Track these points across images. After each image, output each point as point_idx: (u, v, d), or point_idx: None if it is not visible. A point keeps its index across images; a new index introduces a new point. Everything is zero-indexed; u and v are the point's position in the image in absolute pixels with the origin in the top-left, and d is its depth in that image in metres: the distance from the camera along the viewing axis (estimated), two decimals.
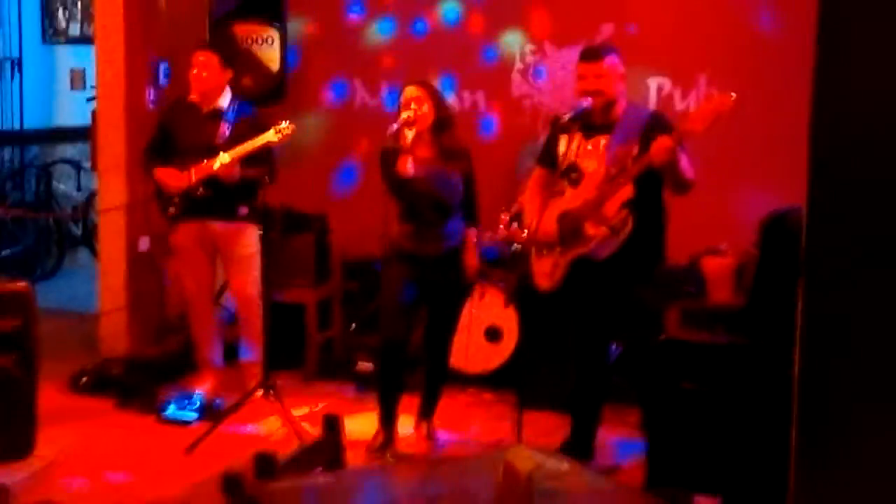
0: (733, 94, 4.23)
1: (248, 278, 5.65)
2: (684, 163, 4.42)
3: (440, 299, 5.15)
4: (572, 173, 4.63)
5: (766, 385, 4.09)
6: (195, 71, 5.59)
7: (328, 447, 2.94)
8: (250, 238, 5.56)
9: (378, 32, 6.79)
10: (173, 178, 5.60)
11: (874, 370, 3.18)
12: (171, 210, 5.66)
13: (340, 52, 6.87)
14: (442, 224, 5.01)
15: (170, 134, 5.71)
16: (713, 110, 4.22)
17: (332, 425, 3.35)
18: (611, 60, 4.57)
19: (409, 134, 4.86)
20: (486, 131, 6.55)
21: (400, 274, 5.04)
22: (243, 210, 5.55)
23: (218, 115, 5.62)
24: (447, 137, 5.02)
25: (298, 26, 6.82)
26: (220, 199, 5.53)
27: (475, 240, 5.10)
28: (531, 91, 6.48)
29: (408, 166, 4.85)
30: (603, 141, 4.54)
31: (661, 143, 4.27)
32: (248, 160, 5.44)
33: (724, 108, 4.20)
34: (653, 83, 6.17)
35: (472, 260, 5.07)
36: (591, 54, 4.62)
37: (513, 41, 6.49)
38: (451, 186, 4.99)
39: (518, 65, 6.49)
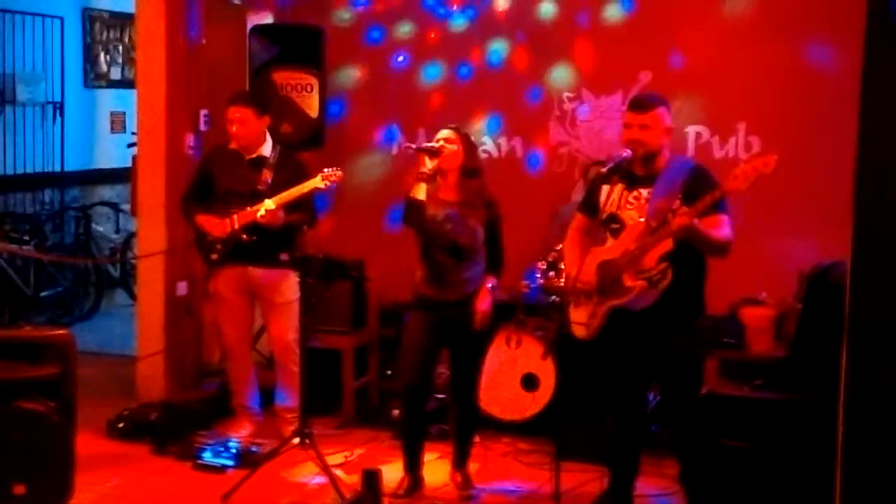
0: (776, 156, 4.20)
1: (287, 324, 5.67)
2: (720, 223, 4.39)
3: (461, 345, 5.15)
4: (613, 223, 4.60)
5: (807, 441, 4.05)
6: (233, 127, 5.63)
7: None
8: (290, 285, 5.59)
9: (417, 78, 6.84)
10: (215, 225, 5.64)
11: None
12: (213, 256, 5.69)
13: (379, 98, 6.92)
14: (459, 270, 5.02)
15: (210, 180, 5.75)
16: (756, 170, 4.18)
17: (372, 481, 3.39)
18: (658, 112, 4.52)
19: (430, 164, 4.94)
20: (523, 179, 6.55)
21: (419, 320, 5.09)
22: (283, 257, 5.57)
23: (260, 162, 5.66)
24: (473, 185, 5.04)
25: (336, 72, 6.88)
26: (261, 246, 5.57)
27: (490, 286, 5.07)
28: (568, 138, 6.49)
29: (418, 190, 4.91)
30: (645, 193, 4.51)
31: (677, 222, 4.26)
32: (290, 207, 5.48)
33: (767, 169, 4.18)
34: (691, 131, 6.16)
35: (481, 305, 5.04)
36: (639, 104, 4.59)
37: (551, 88, 6.52)
38: (469, 231, 5.00)
39: (556, 112, 6.50)
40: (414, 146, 5.22)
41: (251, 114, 5.63)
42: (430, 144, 5.02)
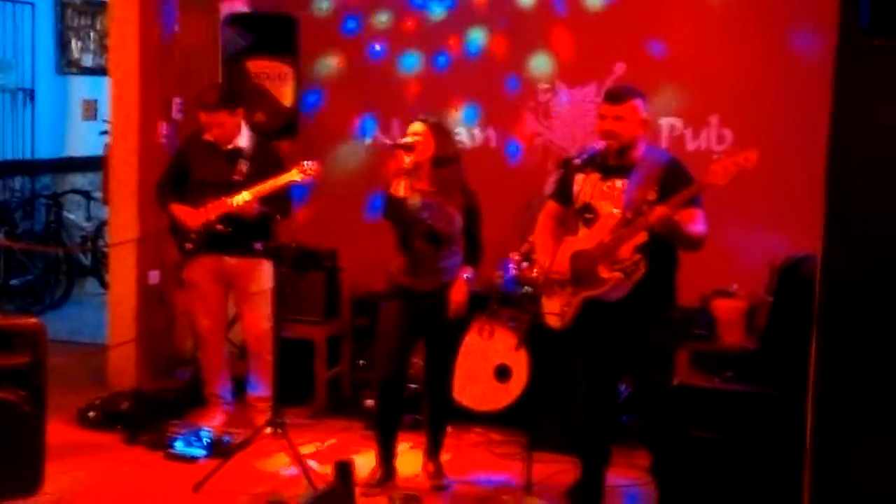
0: (757, 152, 4.19)
1: (261, 314, 5.65)
2: (696, 218, 4.40)
3: (436, 334, 5.16)
4: (587, 213, 4.59)
5: (777, 433, 4.08)
6: (214, 131, 5.60)
7: (341, 496, 2.92)
8: (265, 274, 5.58)
9: (393, 68, 6.82)
10: (190, 215, 5.61)
11: (889, 420, 3.18)
12: (188, 245, 5.67)
13: (354, 87, 6.90)
14: (436, 258, 5.02)
15: (186, 169, 5.72)
16: (736, 165, 4.18)
17: (344, 471, 3.34)
18: (633, 104, 4.52)
19: (406, 159, 4.93)
20: (497, 169, 6.55)
21: (396, 310, 5.08)
22: (258, 246, 5.55)
23: (236, 153, 5.64)
24: (448, 173, 5.03)
25: (312, 62, 6.85)
26: (235, 236, 5.55)
27: (466, 276, 5.07)
28: (542, 129, 6.50)
29: (399, 187, 4.90)
30: (619, 184, 4.51)
31: (657, 214, 4.26)
32: (265, 198, 5.46)
33: (748, 165, 4.18)
34: (664, 123, 6.18)
35: (457, 295, 5.04)
36: (614, 96, 4.58)
37: (527, 79, 6.52)
38: (446, 217, 5.00)
39: (531, 103, 6.51)
40: (389, 142, 5.23)
41: (226, 115, 5.59)
42: (404, 141, 5.01)
